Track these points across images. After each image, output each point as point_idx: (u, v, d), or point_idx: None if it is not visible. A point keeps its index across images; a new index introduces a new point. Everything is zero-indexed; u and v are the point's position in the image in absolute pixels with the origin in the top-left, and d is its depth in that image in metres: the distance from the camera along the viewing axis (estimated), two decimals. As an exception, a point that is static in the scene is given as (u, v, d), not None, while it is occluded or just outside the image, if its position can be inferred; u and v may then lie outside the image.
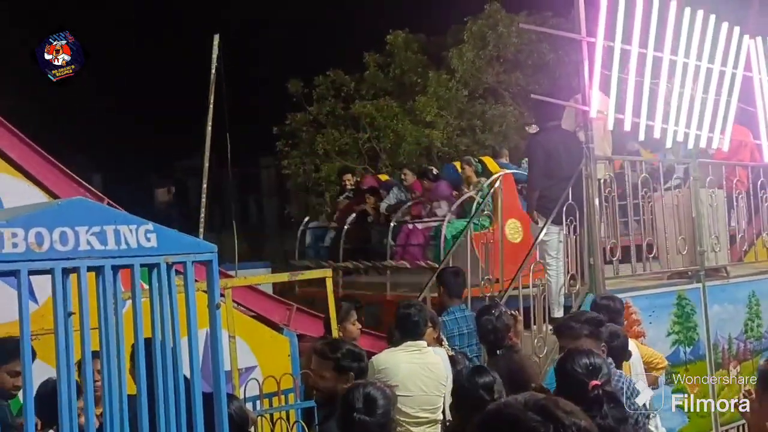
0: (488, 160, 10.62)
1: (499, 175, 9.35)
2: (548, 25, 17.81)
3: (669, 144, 7.67)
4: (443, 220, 9.61)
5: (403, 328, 5.22)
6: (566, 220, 7.03)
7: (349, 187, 12.66)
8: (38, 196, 6.44)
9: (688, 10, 7.32)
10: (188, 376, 2.99)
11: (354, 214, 11.42)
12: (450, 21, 21.98)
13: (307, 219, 12.97)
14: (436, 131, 20.20)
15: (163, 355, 2.88)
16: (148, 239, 2.80)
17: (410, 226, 10.25)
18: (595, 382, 3.28)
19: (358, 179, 13.14)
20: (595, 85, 6.89)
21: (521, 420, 1.67)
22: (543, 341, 6.73)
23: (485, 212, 9.07)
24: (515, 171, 9.95)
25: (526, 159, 8.70)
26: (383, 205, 11.23)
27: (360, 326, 6.58)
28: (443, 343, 5.90)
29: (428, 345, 5.30)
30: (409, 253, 10.02)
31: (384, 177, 13.05)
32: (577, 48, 7.06)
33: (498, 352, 5.25)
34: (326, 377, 4.16)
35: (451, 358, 5.36)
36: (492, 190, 9.12)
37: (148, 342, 2.89)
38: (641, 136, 7.36)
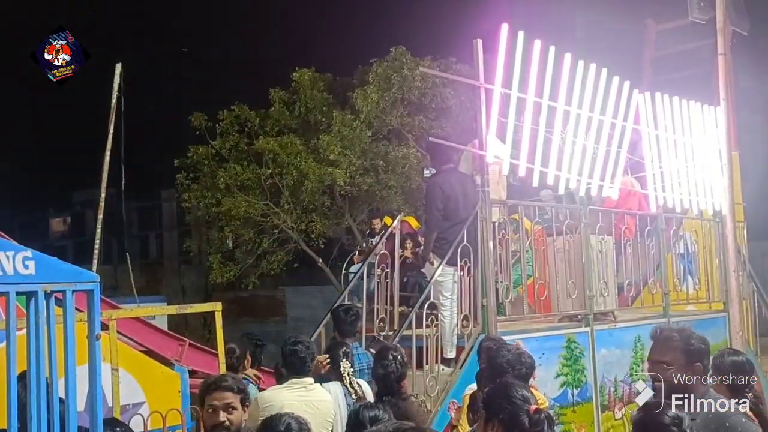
0: None
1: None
2: (452, 71, 18.23)
3: (561, 191, 7.91)
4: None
5: (289, 365, 5.19)
6: (461, 261, 7.14)
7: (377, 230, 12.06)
8: None
9: (581, 63, 7.60)
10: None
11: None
12: (356, 62, 22.27)
13: (347, 261, 12.10)
14: (339, 170, 20.28)
15: (38, 390, 2.78)
16: (26, 266, 2.70)
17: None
18: (535, 406, 3.32)
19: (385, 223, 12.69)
20: (492, 131, 7.07)
21: None
22: (435, 381, 6.78)
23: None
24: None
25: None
26: None
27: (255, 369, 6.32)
28: (345, 373, 5.79)
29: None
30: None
31: (414, 223, 12.53)
32: (477, 94, 7.24)
33: (384, 398, 5.17)
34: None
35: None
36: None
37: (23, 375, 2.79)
38: (535, 182, 7.55)
